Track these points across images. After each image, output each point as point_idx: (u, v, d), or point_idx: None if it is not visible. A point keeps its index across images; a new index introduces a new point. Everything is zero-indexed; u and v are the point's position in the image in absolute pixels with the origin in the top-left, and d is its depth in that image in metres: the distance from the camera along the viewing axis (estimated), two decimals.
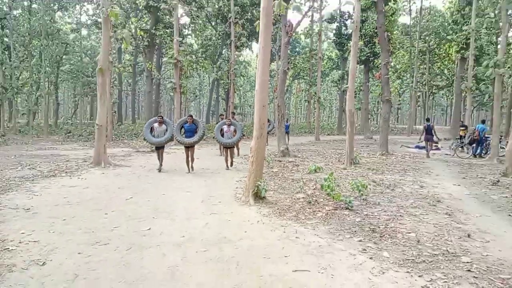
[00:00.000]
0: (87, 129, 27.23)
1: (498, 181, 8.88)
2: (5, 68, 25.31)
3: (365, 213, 5.89)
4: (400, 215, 5.82)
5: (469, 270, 3.71)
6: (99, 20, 25.38)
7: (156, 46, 28.49)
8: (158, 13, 24.58)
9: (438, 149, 18.48)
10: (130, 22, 27.58)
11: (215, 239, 4.58)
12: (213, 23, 34.14)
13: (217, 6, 28.60)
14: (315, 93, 27.32)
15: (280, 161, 12.67)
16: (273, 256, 4.06)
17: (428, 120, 16.64)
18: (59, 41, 31.50)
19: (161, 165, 10.20)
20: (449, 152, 16.56)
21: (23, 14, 29.52)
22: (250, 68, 55.97)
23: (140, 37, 25.51)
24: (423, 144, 16.68)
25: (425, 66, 36.68)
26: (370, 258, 4.05)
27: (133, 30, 29.05)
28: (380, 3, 15.09)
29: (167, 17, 25.29)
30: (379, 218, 5.63)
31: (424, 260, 3.97)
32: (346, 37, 33.30)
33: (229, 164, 10.80)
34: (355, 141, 24.37)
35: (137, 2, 24.39)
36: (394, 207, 6.38)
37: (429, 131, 15.59)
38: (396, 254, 4.15)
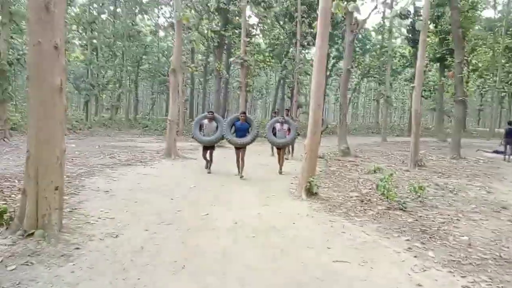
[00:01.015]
0: (162, 124, 29.34)
1: None
2: (93, 67, 28.31)
3: (419, 215, 5.81)
4: (457, 219, 5.65)
5: None
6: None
7: (225, 46, 29.66)
8: (228, 15, 25.58)
9: None
10: (202, 24, 29.04)
11: (264, 228, 4.93)
12: (281, 22, 34.54)
13: (285, 5, 28.95)
14: (384, 92, 26.39)
15: (340, 160, 12.63)
16: (316, 247, 4.29)
17: (510, 123, 15.31)
18: (139, 43, 34.28)
19: (209, 166, 9.34)
20: None
21: (109, 18, 32.64)
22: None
23: (211, 38, 26.77)
24: (502, 148, 15.40)
25: (511, 64, 33.33)
26: (414, 256, 4.09)
27: (205, 31, 30.66)
28: None
29: (237, 18, 26.26)
30: (433, 220, 5.52)
31: (471, 263, 3.91)
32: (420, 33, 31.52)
33: (281, 166, 9.60)
34: (427, 143, 23.32)
35: (208, 4, 25.61)
36: (452, 210, 6.17)
37: (510, 134, 14.40)
38: (442, 255, 4.12)
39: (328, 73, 46.28)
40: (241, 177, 8.61)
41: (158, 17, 39.51)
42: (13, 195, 5.96)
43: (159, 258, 3.81)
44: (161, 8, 38.90)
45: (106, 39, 31.23)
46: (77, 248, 3.94)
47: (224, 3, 24.25)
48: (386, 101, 25.78)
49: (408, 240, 4.61)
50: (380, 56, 31.04)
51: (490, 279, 3.53)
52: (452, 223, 5.41)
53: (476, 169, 11.73)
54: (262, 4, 29.72)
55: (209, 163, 9.31)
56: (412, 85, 12.47)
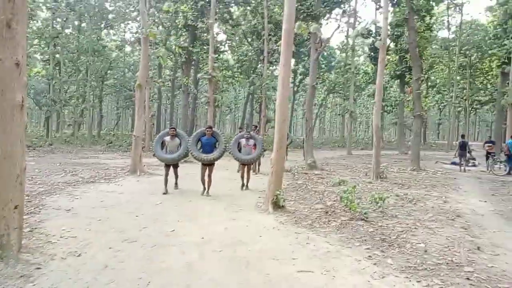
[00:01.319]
0: (127, 140, 28.72)
1: None
2: (55, 82, 27.48)
3: (379, 224, 6.06)
4: (415, 228, 5.95)
5: (468, 279, 3.86)
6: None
7: (193, 62, 29.78)
8: (196, 32, 25.79)
9: (474, 165, 17.91)
10: (170, 40, 29.09)
11: (231, 242, 4.98)
12: (249, 39, 35.18)
13: (252, 23, 29.60)
14: (349, 107, 27.32)
15: (307, 173, 12.90)
16: (282, 258, 4.39)
17: (463, 136, 16.40)
18: (104, 58, 33.70)
19: (175, 182, 8.99)
20: (484, 169, 16.07)
21: (73, 33, 31.95)
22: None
23: (179, 53, 26.83)
24: (458, 160, 16.38)
25: (465, 80, 35.64)
26: (374, 264, 4.28)
27: (173, 47, 30.66)
28: (411, 20, 15.15)
29: (204, 34, 26.53)
30: (392, 229, 5.79)
31: (426, 268, 4.14)
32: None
33: (245, 181, 9.38)
34: (389, 156, 24.23)
35: (176, 21, 25.74)
36: (411, 220, 6.49)
37: (463, 147, 15.41)
38: (400, 262, 4.34)
39: (295, 88, 47.37)
40: (208, 195, 8.23)
41: (125, 32, 39.06)
42: None
43: (124, 275, 3.77)
44: (128, 24, 38.56)
45: (69, 54, 30.51)
46: (38, 268, 3.82)
47: (192, 20, 24.45)
48: (351, 116, 26.69)
49: (368, 248, 4.81)
50: (344, 73, 32.23)
51: (443, 282, 3.77)
52: (410, 231, 5.70)
53: (434, 180, 12.36)
54: (230, 21, 30.27)
55: (167, 183, 8.62)
56: (372, 101, 13.03)
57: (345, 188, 7.46)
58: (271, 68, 30.44)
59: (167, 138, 8.56)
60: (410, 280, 3.81)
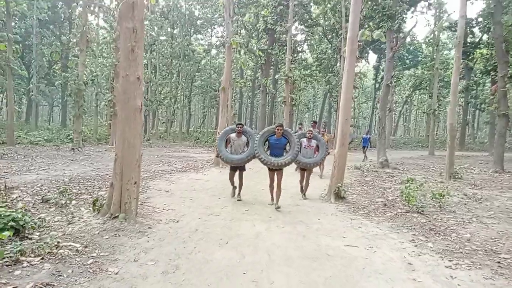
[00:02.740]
0: (212, 137, 31.26)
1: None
2: (152, 84, 31.06)
3: (434, 217, 6.53)
4: (469, 222, 6.30)
5: (498, 262, 4.34)
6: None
7: (272, 63, 31.16)
8: (275, 35, 27.06)
9: None
10: (252, 42, 30.87)
11: (293, 221, 6.00)
12: (328, 37, 35.44)
13: (331, 22, 29.96)
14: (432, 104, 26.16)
15: (377, 171, 13.26)
16: (334, 236, 5.27)
17: None
18: (193, 61, 36.93)
19: (238, 192, 7.74)
20: None
21: (167, 39, 35.64)
22: (366, 79, 55.21)
23: (259, 55, 28.40)
24: None
25: None
26: (415, 245, 4.93)
27: (254, 48, 32.47)
28: (498, 13, 14.39)
29: (284, 36, 27.70)
30: (445, 222, 6.24)
31: (461, 252, 4.69)
32: (472, 45, 30.96)
33: (305, 189, 8.21)
34: (477, 157, 22.78)
35: (257, 25, 27.30)
36: (468, 216, 6.79)
37: None
38: (440, 246, 4.93)
39: (376, 85, 46.17)
40: (277, 207, 6.85)
41: (211, 36, 42.21)
42: (94, 192, 7.57)
43: (209, 236, 5.03)
44: (214, 28, 41.61)
45: (164, 59, 34.09)
46: (149, 228, 5.28)
47: (271, 24, 25.78)
48: (433, 114, 25.59)
49: (414, 234, 5.44)
50: (431, 68, 30.71)
51: (472, 262, 4.32)
52: (462, 225, 6.10)
53: None
54: (309, 21, 30.99)
55: (235, 188, 7.79)
56: (447, 100, 12.83)
57: (410, 185, 7.95)
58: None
59: (233, 136, 7.37)
60: (442, 259, 4.42)
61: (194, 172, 11.45)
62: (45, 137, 21.37)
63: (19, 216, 4.47)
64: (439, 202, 7.38)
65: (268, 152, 6.97)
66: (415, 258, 4.47)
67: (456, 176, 11.75)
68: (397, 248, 4.81)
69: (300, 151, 7.24)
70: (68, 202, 6.37)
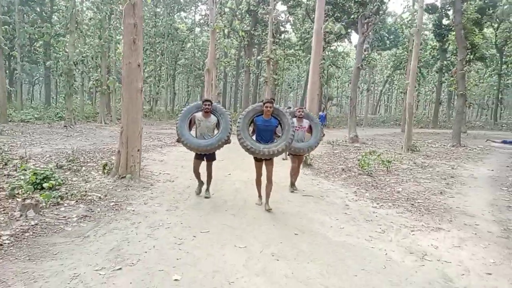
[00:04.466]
0: None
1: None
2: None
3: (379, 178, 8.12)
4: (406, 182, 7.91)
5: (412, 204, 5.94)
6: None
7: (255, 44, 32.12)
8: (257, 16, 27.99)
9: None
10: (234, 23, 31.67)
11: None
12: (312, 17, 36.40)
13: (311, 3, 30.99)
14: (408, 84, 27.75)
15: (347, 146, 14.87)
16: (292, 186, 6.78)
17: None
18: (177, 40, 37.48)
19: (203, 184, 6.21)
20: None
21: (151, 18, 35.96)
22: (348, 58, 56.41)
23: (242, 37, 29.34)
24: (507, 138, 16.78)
25: None
26: (355, 195, 6.50)
27: (237, 27, 33.37)
28: (458, 2, 15.85)
29: (267, 16, 28.67)
30: (387, 182, 7.83)
31: (388, 199, 6.27)
32: (447, 28, 32.58)
33: (295, 179, 6.90)
34: (446, 134, 24.67)
35: (240, 7, 28.14)
36: (409, 177, 8.42)
37: None
38: (374, 195, 6.51)
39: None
40: (268, 209, 5.41)
41: (195, 13, 42.65)
42: (98, 161, 8.87)
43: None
44: (198, 6, 42.01)
45: (148, 38, 34.58)
46: (151, 185, 6.68)
47: (254, 6, 26.68)
48: (406, 94, 27.27)
49: (358, 188, 7.01)
50: (406, 49, 32.25)
51: (393, 205, 5.90)
52: (399, 183, 7.70)
53: (465, 154, 13.60)
54: (291, 2, 31.91)
55: (202, 184, 6.21)
56: (406, 81, 14.40)
57: (369, 156, 9.51)
58: (334, 44, 31.73)
59: (199, 115, 5.81)
60: (372, 203, 6.00)
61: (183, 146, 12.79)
62: (35, 115, 22.18)
63: (50, 173, 5.80)
64: (387, 167, 8.99)
65: (255, 137, 5.35)
66: (352, 202, 6.03)
67: (413, 149, 13.45)
68: (341, 196, 6.37)
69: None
70: (79, 168, 7.67)
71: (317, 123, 6.78)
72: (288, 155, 7.27)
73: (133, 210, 5.07)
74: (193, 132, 5.93)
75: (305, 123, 6.64)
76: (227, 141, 5.76)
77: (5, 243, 3.66)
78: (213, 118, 5.84)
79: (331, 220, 5.04)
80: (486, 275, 3.53)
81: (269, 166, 5.47)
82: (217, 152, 6.03)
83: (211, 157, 6.03)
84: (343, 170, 8.98)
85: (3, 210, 4.63)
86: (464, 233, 4.70)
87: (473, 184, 7.96)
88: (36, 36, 32.03)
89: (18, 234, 3.90)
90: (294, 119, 6.34)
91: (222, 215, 5.11)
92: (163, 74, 36.15)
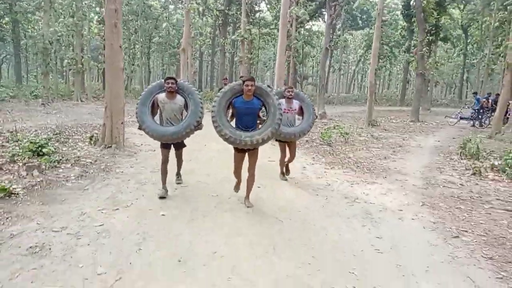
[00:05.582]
0: None
1: (470, 139, 11.30)
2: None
3: (336, 147, 9.27)
4: (359, 150, 9.10)
5: (357, 166, 7.10)
6: None
7: (230, 24, 32.47)
8: None
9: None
10: (210, 2, 31.86)
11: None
12: None
13: None
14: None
15: (315, 121, 15.97)
16: (263, 156, 7.81)
17: (475, 94, 18.29)
18: (151, 18, 37.23)
19: (166, 191, 5.00)
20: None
21: None
22: (323, 38, 57.27)
23: (216, 16, 29.64)
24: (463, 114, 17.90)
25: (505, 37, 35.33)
26: (313, 160, 7.61)
27: (211, 5, 33.53)
28: None
29: None
30: (343, 150, 8.99)
31: (340, 163, 7.42)
32: (414, 10, 33.92)
33: (287, 167, 6.27)
34: (408, 111, 26.17)
35: None
36: (362, 147, 9.61)
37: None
38: (328, 160, 7.64)
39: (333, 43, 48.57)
40: (248, 206, 4.71)
41: None
42: (82, 134, 9.59)
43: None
44: None
45: (122, 17, 34.21)
46: (135, 153, 7.56)
47: None
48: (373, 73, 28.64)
49: (316, 155, 8.12)
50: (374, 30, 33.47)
51: (342, 167, 7.04)
52: (353, 151, 8.87)
53: (420, 128, 15.03)
54: None
55: (166, 191, 5.03)
56: (368, 62, 15.52)
57: (331, 129, 10.63)
58: (309, 23, 32.48)
59: (162, 97, 4.85)
60: (325, 166, 7.12)
61: None
62: (10, 93, 22.15)
63: (45, 142, 6.58)
64: (345, 139, 10.17)
65: (234, 123, 4.54)
66: (309, 165, 7.14)
67: (374, 124, 14.74)
68: (300, 161, 7.45)
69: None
70: (66, 139, 8.41)
71: (309, 104, 6.03)
72: (276, 140, 6.00)
73: (122, 172, 5.97)
74: (158, 117, 5.08)
75: (295, 104, 5.83)
76: (198, 127, 4.88)
77: (20, 193, 4.52)
78: (179, 99, 4.86)
79: (288, 177, 6.11)
80: (397, 211, 4.69)
81: (252, 158, 4.70)
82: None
83: (180, 145, 5.41)
84: (307, 141, 10.08)
85: (9, 171, 5.43)
86: (392, 186, 5.88)
87: (417, 152, 9.24)
88: (2, 12, 31.24)
89: (28, 187, 4.76)
90: (283, 100, 5.65)
91: (197, 177, 6.08)
92: (137, 53, 36.07)
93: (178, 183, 5.61)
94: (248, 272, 3.05)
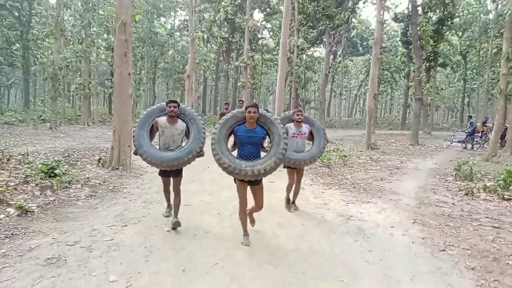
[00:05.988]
0: None
1: (466, 162, 11.57)
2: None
3: (335, 169, 9.58)
4: (357, 172, 9.39)
5: (354, 187, 7.38)
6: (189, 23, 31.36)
7: (233, 50, 33.49)
8: (235, 24, 29.41)
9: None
10: (213, 30, 32.99)
11: None
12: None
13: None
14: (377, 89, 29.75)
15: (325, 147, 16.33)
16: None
17: (470, 117, 18.78)
18: (157, 45, 38.45)
19: (176, 212, 4.72)
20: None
21: (131, 24, 36.77)
22: (324, 63, 58.56)
23: (220, 43, 30.66)
24: (455, 138, 18.55)
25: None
26: (312, 181, 7.91)
27: (215, 33, 34.71)
28: (414, 16, 17.68)
29: (244, 24, 30.14)
30: (341, 171, 9.29)
31: (337, 184, 7.71)
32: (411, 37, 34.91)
33: (295, 196, 5.99)
34: (409, 135, 26.52)
35: (218, 15, 29.51)
36: (361, 168, 9.91)
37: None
38: (327, 182, 7.93)
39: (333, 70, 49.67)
40: (246, 244, 4.23)
41: (175, 18, 43.73)
42: (90, 157, 9.98)
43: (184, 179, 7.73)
44: (177, 11, 43.09)
45: None
46: (141, 175, 7.91)
47: (231, 14, 28.09)
48: (375, 98, 29.23)
49: (315, 176, 8.43)
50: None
51: (339, 187, 7.33)
52: (351, 173, 9.17)
53: (419, 151, 15.33)
54: (268, 10, 33.50)
55: (170, 209, 5.14)
56: (367, 87, 16.03)
57: (331, 151, 10.97)
58: (311, 49, 33.35)
59: (162, 121, 4.63)
60: (323, 187, 7.41)
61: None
62: (19, 118, 22.78)
63: (56, 164, 6.95)
64: (344, 161, 10.48)
65: (236, 153, 4.23)
66: (307, 186, 7.44)
67: (373, 147, 15.07)
68: None
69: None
70: (75, 162, 8.79)
71: (319, 127, 5.75)
72: (284, 167, 5.72)
73: (129, 192, 6.30)
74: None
75: (305, 128, 5.55)
76: (200, 154, 4.66)
77: (35, 211, 4.84)
78: (180, 124, 4.63)
79: (294, 210, 6.40)
80: (389, 227, 4.96)
81: (257, 191, 4.25)
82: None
83: (177, 173, 4.88)
84: None
85: (23, 191, 5.78)
86: (386, 205, 6.16)
87: (413, 174, 9.53)
88: (14, 39, 32.44)
89: (42, 206, 5.09)
90: (291, 124, 5.47)
91: (200, 196, 6.40)
92: (143, 78, 37.06)
93: (173, 227, 4.58)
94: (246, 281, 3.32)
